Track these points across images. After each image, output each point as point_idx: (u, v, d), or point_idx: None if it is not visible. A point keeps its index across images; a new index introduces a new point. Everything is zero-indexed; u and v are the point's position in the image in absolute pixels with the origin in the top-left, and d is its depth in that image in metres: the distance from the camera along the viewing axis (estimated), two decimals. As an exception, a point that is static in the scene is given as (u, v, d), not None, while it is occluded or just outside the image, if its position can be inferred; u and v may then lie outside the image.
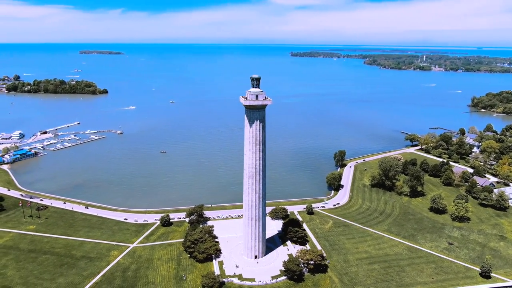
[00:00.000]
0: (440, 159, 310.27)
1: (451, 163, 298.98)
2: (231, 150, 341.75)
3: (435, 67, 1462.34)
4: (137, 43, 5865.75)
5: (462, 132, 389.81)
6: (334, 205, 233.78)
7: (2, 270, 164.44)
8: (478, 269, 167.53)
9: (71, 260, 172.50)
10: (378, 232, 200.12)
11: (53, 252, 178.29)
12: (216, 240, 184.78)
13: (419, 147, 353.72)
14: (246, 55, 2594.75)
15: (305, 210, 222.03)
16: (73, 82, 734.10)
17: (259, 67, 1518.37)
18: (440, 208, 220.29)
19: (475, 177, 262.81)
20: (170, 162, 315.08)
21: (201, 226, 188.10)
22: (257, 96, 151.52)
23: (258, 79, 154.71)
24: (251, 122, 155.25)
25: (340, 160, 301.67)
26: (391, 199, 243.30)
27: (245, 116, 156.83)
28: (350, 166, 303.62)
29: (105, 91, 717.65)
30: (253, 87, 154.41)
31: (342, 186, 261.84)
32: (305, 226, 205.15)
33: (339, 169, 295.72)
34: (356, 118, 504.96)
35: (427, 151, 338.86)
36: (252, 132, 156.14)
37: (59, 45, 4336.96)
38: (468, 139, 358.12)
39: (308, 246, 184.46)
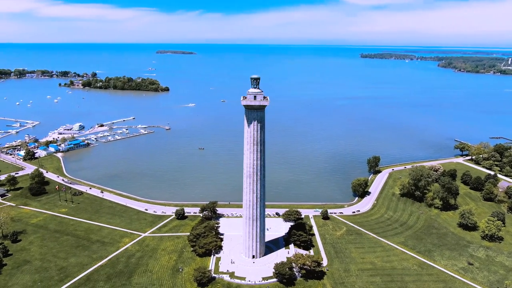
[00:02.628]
0: (490, 172, 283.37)
1: (500, 176, 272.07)
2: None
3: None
4: (211, 44, 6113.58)
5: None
6: (354, 212, 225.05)
7: (28, 246, 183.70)
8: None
9: (87, 243, 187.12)
10: (392, 244, 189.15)
11: (74, 234, 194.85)
12: (221, 236, 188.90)
13: (469, 157, 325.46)
14: (315, 56, 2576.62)
15: (320, 214, 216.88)
16: (139, 80, 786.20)
17: (324, 69, 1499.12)
18: (469, 225, 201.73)
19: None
20: (205, 158, 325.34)
21: (206, 222, 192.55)
22: (255, 97, 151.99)
23: (257, 80, 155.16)
24: (249, 122, 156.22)
25: (374, 166, 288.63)
26: (419, 210, 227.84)
27: (244, 116, 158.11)
28: (391, 171, 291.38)
29: (166, 89, 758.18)
30: (253, 87, 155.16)
31: (368, 193, 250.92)
32: (315, 230, 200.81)
33: (371, 176, 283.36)
34: (409, 123, 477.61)
35: (477, 162, 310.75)
36: (250, 132, 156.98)
37: (140, 45, 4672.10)
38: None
39: (311, 251, 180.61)
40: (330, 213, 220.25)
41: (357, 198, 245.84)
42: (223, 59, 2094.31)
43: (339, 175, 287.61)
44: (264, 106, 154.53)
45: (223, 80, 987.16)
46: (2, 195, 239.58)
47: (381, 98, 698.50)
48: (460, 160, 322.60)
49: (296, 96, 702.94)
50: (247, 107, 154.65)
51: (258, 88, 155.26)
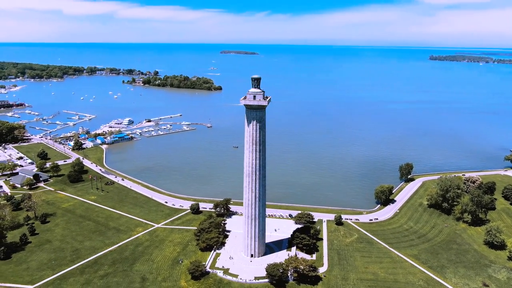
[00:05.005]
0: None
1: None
2: (297, 152, 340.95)
3: None
4: (276, 44, 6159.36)
5: None
6: (371, 219, 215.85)
7: (54, 227, 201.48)
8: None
9: (104, 229, 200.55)
10: (402, 256, 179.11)
11: (95, 220, 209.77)
12: (227, 233, 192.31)
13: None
14: (381, 58, 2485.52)
15: (334, 220, 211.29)
16: (194, 79, 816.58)
17: (387, 71, 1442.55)
18: (495, 243, 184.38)
19: None
20: (236, 156, 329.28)
21: (214, 218, 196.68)
22: (254, 96, 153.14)
23: (258, 80, 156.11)
24: (249, 122, 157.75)
25: (406, 174, 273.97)
26: (444, 223, 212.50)
27: (245, 115, 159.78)
28: (425, 180, 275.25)
29: (219, 88, 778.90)
30: (253, 87, 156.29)
31: (393, 201, 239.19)
32: (324, 235, 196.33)
33: (402, 183, 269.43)
34: (462, 130, 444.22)
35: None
36: (250, 131, 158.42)
37: (206, 45, 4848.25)
38: None
39: (314, 256, 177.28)
40: (346, 219, 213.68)
41: (379, 205, 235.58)
42: (286, 60, 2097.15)
43: (368, 181, 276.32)
44: (264, 106, 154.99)
45: (276, 81, 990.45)
46: (45, 180, 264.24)
47: (438, 103, 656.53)
48: (510, 172, 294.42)
49: (348, 97, 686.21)
50: (247, 107, 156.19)
51: (259, 88, 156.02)
